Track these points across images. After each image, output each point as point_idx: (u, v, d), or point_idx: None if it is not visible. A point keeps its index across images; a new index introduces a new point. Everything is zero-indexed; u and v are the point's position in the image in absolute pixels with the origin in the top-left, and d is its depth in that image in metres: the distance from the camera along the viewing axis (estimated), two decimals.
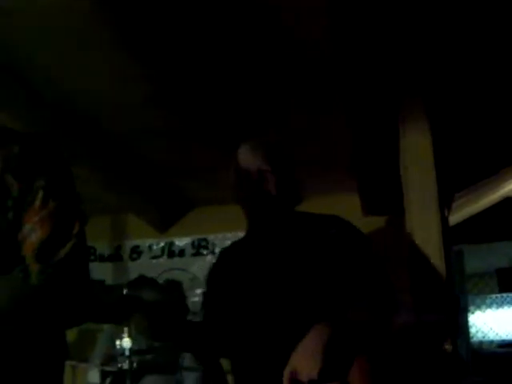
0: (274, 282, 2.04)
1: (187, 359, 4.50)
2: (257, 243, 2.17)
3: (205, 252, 5.37)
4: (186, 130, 3.89)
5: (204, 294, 2.34)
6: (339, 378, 1.76)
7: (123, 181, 4.66)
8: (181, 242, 5.44)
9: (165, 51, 3.07)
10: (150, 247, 5.39)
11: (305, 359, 1.76)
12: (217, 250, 5.25)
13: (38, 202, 1.45)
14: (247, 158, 2.23)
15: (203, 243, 5.38)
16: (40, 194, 1.46)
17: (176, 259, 5.36)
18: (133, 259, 5.36)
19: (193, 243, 5.41)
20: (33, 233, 1.44)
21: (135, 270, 5.07)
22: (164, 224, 5.46)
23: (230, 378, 4.83)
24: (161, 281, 4.27)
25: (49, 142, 1.57)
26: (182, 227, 5.48)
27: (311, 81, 3.41)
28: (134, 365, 3.64)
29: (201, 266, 5.28)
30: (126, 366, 3.62)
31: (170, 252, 5.43)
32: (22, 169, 1.46)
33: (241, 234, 2.26)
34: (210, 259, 5.29)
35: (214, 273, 2.29)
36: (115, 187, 4.72)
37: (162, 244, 5.44)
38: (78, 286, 1.48)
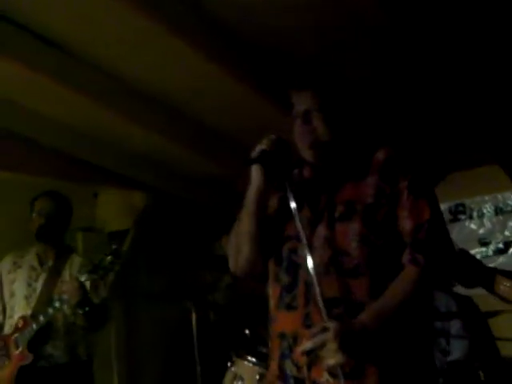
0: None
1: (455, 327, 4.41)
2: None
3: (462, 217, 5.20)
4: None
5: None
6: None
7: None
8: None
9: None
10: None
11: None
12: (474, 215, 5.11)
13: (404, 199, 1.96)
14: None
15: (460, 208, 5.21)
16: (405, 193, 1.97)
17: None
18: None
19: (450, 209, 5.26)
20: (406, 224, 1.94)
21: None
22: None
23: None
24: None
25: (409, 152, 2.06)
26: (438, 194, 5.33)
27: None
28: None
29: (459, 231, 5.14)
30: None
31: None
32: (390, 175, 1.99)
33: (499, 196, 2.18)
34: (467, 224, 5.15)
35: None
36: None
37: None
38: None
